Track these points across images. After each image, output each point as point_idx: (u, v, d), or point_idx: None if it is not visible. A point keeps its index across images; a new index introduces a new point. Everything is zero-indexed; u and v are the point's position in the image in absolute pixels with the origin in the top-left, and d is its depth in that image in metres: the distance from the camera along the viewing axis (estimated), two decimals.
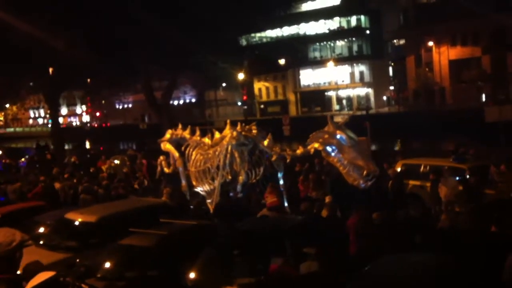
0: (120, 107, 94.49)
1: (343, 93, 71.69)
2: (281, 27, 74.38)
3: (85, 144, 59.70)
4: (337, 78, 70.21)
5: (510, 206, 11.75)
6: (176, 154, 16.80)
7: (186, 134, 16.63)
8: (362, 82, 69.94)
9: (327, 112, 65.57)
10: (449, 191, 14.27)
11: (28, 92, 49.48)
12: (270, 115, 67.82)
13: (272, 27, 74.05)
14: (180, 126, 17.18)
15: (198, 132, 16.36)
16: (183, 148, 16.67)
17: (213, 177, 15.08)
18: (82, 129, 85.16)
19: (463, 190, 13.91)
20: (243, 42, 76.66)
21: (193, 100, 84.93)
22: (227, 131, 14.89)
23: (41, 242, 11.53)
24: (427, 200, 15.34)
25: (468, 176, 14.88)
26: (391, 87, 68.29)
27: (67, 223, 11.96)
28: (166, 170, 17.54)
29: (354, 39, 70.93)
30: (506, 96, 50.45)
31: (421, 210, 13.86)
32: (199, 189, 15.64)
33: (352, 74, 70.64)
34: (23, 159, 33.20)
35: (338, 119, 57.85)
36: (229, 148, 14.48)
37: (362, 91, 70.73)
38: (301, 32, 73.96)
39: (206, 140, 15.80)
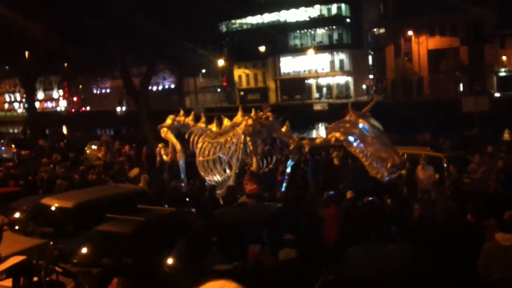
0: (98, 92, 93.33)
1: (323, 81, 71.86)
2: (261, 14, 74.18)
3: (62, 130, 58.92)
4: (317, 66, 70.29)
5: (485, 196, 11.93)
6: (178, 147, 16.07)
7: (190, 120, 15.97)
8: (342, 71, 70.18)
9: (307, 100, 65.82)
10: (426, 179, 14.43)
11: (3, 76, 48.54)
12: (250, 103, 67.75)
13: (253, 14, 73.87)
14: (181, 112, 16.48)
15: (203, 119, 15.69)
16: (186, 135, 15.95)
17: (225, 167, 14.36)
18: (59, 114, 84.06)
19: (440, 179, 14.11)
20: (223, 29, 76.45)
21: (172, 86, 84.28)
22: (240, 118, 14.30)
23: (17, 228, 11.39)
24: (403, 189, 15.48)
25: (445, 165, 15.05)
26: (371, 76, 68.65)
27: (43, 209, 11.80)
28: (165, 158, 16.80)
29: (334, 27, 71.02)
30: (483, 87, 51.10)
31: (398, 199, 13.94)
32: (207, 180, 14.85)
33: (332, 63, 70.81)
34: None
35: (317, 107, 57.65)
36: (244, 137, 13.76)
37: (341, 79, 70.99)
38: (282, 20, 73.76)
39: (213, 127, 15.17)
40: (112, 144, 26.20)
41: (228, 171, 14.35)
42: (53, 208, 11.68)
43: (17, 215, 12.26)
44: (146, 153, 21.21)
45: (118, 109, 75.31)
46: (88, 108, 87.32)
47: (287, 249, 8.92)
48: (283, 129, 13.96)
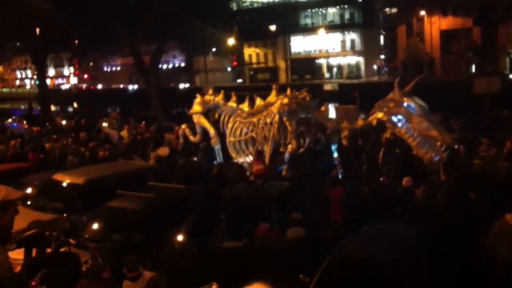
0: (108, 69, 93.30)
1: (333, 61, 71.32)
2: None
3: (72, 107, 59.26)
4: (328, 46, 69.71)
5: (492, 176, 11.85)
6: (212, 131, 15.55)
7: (220, 99, 15.42)
8: (353, 51, 69.55)
9: (317, 80, 65.45)
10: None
11: (15, 52, 48.67)
12: (260, 82, 67.45)
13: None
14: (210, 91, 16.00)
15: (234, 98, 15.10)
16: (216, 115, 15.55)
17: (258, 148, 13.80)
18: (69, 91, 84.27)
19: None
20: (234, 7, 75.76)
21: (182, 64, 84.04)
22: (273, 97, 13.78)
23: (28, 203, 11.54)
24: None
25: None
26: (382, 56, 68.06)
27: (55, 185, 11.96)
28: (192, 138, 16.31)
29: (346, 6, 70.18)
30: (495, 68, 50.54)
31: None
32: (239, 161, 14.37)
33: (343, 42, 70.16)
34: (10, 120, 32.81)
35: (327, 87, 57.38)
36: (278, 117, 13.25)
37: (352, 59, 70.41)
38: None
39: (245, 107, 14.64)
40: (121, 122, 26.31)
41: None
42: (64, 184, 11.84)
43: (28, 190, 12.42)
44: (177, 132, 19.98)
45: (131, 86, 75.29)
46: (100, 86, 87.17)
47: (295, 228, 9.00)
48: (322, 109, 13.37)
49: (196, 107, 15.95)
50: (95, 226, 9.76)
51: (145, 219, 9.67)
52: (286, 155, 13.67)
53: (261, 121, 13.72)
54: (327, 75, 70.99)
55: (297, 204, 10.71)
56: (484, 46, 53.21)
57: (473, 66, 53.87)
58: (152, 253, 8.47)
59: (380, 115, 11.61)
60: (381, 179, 12.11)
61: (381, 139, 15.49)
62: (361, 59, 69.47)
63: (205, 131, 16.01)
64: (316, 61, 72.11)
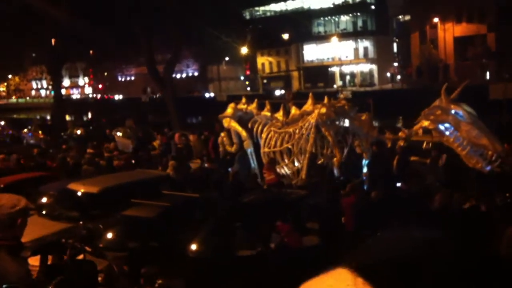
0: (123, 79, 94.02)
1: (346, 69, 71.20)
2: (285, 1, 73.67)
3: (87, 116, 59.74)
4: (341, 54, 69.61)
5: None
6: (244, 134, 14.97)
7: (253, 108, 14.95)
8: (366, 58, 69.38)
9: (330, 88, 65.37)
10: (443, 166, 14.14)
11: (30, 63, 49.34)
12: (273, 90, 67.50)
13: (277, 1, 73.38)
14: (243, 100, 15.45)
15: (268, 107, 14.59)
16: (249, 124, 14.93)
17: (294, 160, 13.23)
18: (85, 101, 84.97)
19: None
20: (247, 16, 76.16)
21: (196, 74, 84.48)
22: (310, 106, 13.27)
23: (44, 212, 11.61)
24: (427, 176, 15.23)
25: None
26: (395, 64, 67.82)
27: (70, 194, 12.01)
28: (229, 148, 15.73)
29: (359, 14, 70.11)
30: (511, 74, 50.09)
31: (421, 186, 13.63)
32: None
33: (356, 50, 70.04)
34: (25, 130, 33.16)
35: (341, 95, 57.40)
36: (315, 127, 12.60)
37: (366, 67, 70.23)
38: (305, 7, 73.11)
39: (280, 116, 14.03)
40: (137, 130, 26.44)
41: (297, 163, 13.34)
42: (79, 193, 11.88)
43: (44, 199, 12.48)
44: (212, 142, 19.13)
45: (144, 97, 75.66)
46: (117, 96, 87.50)
47: (310, 236, 8.96)
48: (363, 118, 12.68)
49: (228, 110, 15.58)
50: (110, 235, 9.77)
51: (160, 227, 9.67)
52: (335, 170, 12.89)
53: (297, 131, 13.19)
54: (340, 83, 70.85)
55: (313, 212, 10.64)
56: (499, 51, 52.81)
57: (488, 72, 53.45)
58: (168, 262, 8.45)
59: (426, 123, 11.12)
60: (399, 184, 11.89)
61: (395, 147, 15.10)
62: (374, 67, 69.26)
63: (240, 140, 15.47)
64: (329, 69, 72.03)
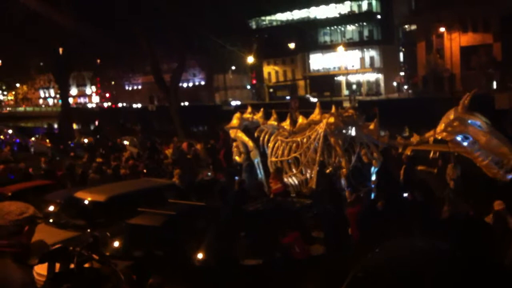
0: (130, 88, 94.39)
1: (352, 78, 71.27)
2: (291, 10, 73.90)
3: (95, 125, 59.99)
4: (347, 63, 69.74)
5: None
6: (251, 144, 14.94)
7: (259, 117, 14.88)
8: (372, 68, 69.44)
9: (336, 97, 65.37)
10: (455, 178, 14.14)
11: (38, 71, 49.65)
12: (279, 99, 67.57)
13: (283, 10, 73.60)
14: (249, 109, 15.44)
15: (274, 116, 14.51)
16: (256, 134, 14.87)
17: (302, 169, 13.12)
18: (92, 110, 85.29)
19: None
20: (253, 25, 76.46)
21: (202, 83, 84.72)
22: (317, 115, 13.19)
23: (51, 220, 11.65)
24: (434, 186, 15.21)
25: None
26: (401, 73, 67.81)
27: (76, 202, 12.07)
28: (237, 159, 15.70)
29: (365, 23, 70.24)
30: None
31: (427, 196, 13.61)
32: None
33: (362, 59, 70.13)
34: (33, 138, 33.36)
35: (347, 104, 57.19)
36: (323, 136, 12.47)
37: (372, 76, 70.26)
38: (312, 16, 73.35)
39: (286, 125, 14.03)
40: (144, 139, 26.56)
41: (305, 173, 13.23)
42: (86, 201, 11.94)
43: (50, 208, 12.55)
44: (223, 152, 19.16)
45: (151, 106, 75.79)
46: (124, 104, 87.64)
47: (316, 245, 8.97)
48: (371, 127, 12.54)
49: (234, 121, 15.55)
50: (116, 243, 9.82)
51: (166, 236, 9.70)
52: (342, 179, 12.74)
53: (305, 141, 13.08)
54: (346, 92, 70.86)
55: (318, 221, 10.66)
56: (505, 61, 52.74)
57: (494, 82, 53.35)
58: (173, 271, 8.48)
59: (442, 135, 10.91)
60: (406, 194, 11.88)
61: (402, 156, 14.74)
62: (380, 76, 69.29)
63: (247, 150, 15.42)
64: (335, 78, 72.09)
